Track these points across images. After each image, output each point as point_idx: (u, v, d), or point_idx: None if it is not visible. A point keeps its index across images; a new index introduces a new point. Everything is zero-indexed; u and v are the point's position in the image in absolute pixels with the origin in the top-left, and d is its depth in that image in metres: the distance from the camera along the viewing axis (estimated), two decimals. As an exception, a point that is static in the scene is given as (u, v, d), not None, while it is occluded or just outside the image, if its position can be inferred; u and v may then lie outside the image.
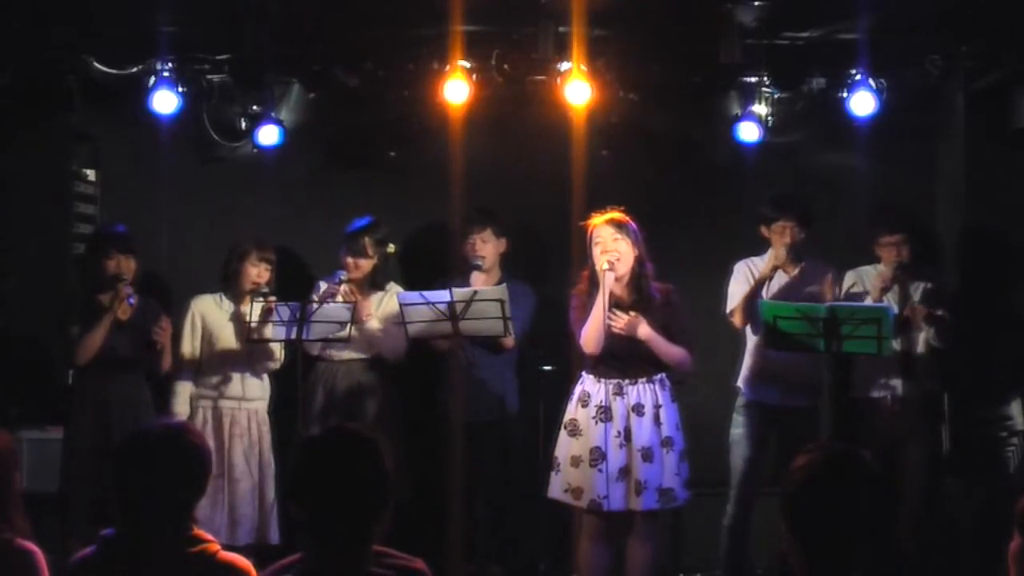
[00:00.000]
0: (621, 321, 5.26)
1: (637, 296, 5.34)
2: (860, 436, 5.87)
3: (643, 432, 5.24)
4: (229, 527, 5.77)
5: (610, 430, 5.22)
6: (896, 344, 5.80)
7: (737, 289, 5.98)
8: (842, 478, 2.51)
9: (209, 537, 3.00)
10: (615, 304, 5.30)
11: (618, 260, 5.27)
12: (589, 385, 5.35)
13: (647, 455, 5.22)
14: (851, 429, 5.95)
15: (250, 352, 5.93)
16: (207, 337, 5.97)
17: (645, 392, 5.29)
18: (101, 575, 2.95)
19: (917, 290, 5.91)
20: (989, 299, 6.33)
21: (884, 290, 5.82)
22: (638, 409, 5.26)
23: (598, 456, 5.22)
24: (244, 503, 5.84)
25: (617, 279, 5.31)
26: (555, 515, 5.56)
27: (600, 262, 5.26)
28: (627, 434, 5.24)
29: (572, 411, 5.36)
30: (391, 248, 6.16)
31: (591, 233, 5.33)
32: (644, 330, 5.27)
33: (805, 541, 2.51)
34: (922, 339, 5.90)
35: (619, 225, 5.31)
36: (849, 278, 6.04)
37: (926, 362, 5.92)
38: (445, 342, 5.85)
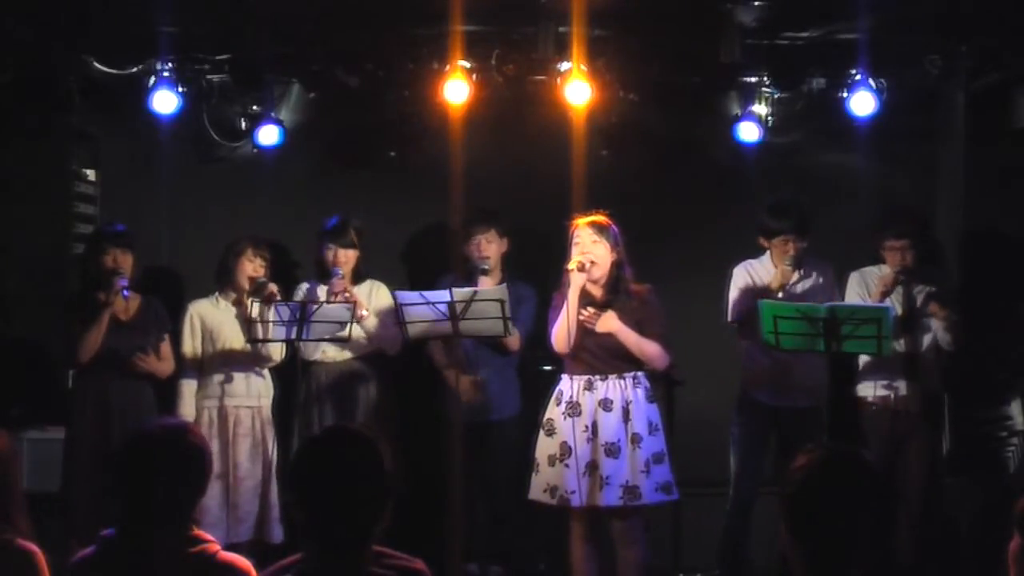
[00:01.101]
0: (588, 313, 5.27)
1: (612, 297, 5.35)
2: (860, 436, 5.87)
3: (609, 427, 5.23)
4: (232, 525, 5.79)
5: (578, 425, 5.23)
6: (899, 345, 5.81)
7: (736, 295, 5.97)
8: (842, 478, 2.51)
9: (209, 537, 3.00)
10: (588, 303, 5.31)
11: (592, 264, 5.27)
12: (564, 383, 5.37)
13: (611, 450, 5.20)
14: (851, 429, 5.94)
15: (251, 351, 5.93)
16: (207, 338, 5.98)
17: (615, 388, 5.28)
18: (101, 575, 2.96)
19: (921, 293, 5.91)
20: (989, 299, 6.32)
21: (885, 294, 5.81)
22: (605, 404, 5.25)
23: (566, 451, 5.24)
24: (246, 501, 5.85)
25: (594, 281, 5.32)
26: (555, 515, 5.56)
27: (571, 263, 5.27)
28: (594, 429, 5.24)
29: (549, 410, 5.39)
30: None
31: (572, 233, 5.34)
32: (613, 323, 5.27)
33: (805, 541, 2.51)
34: (928, 340, 5.91)
35: (600, 228, 5.31)
36: (852, 279, 6.03)
37: (929, 362, 5.92)
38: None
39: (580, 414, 5.26)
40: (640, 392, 5.31)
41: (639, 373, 5.34)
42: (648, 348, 5.31)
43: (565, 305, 5.26)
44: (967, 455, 6.10)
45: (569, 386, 5.33)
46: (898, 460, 5.84)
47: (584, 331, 5.28)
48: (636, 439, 5.24)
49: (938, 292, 5.89)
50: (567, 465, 5.22)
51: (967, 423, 6.11)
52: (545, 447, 5.34)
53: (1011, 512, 3.02)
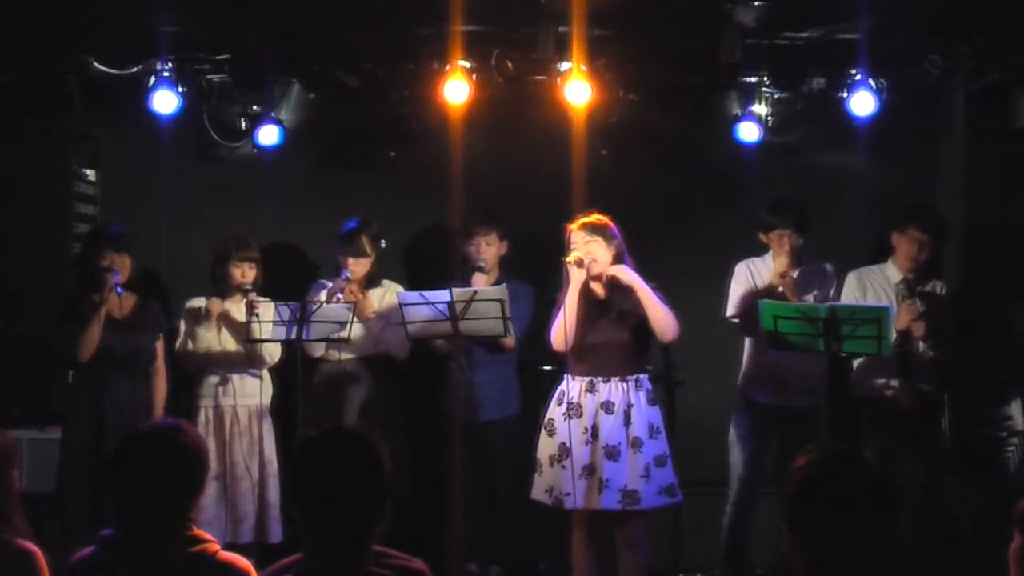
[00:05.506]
0: (590, 261, 5.22)
1: (615, 295, 5.32)
2: (860, 436, 5.87)
3: (609, 430, 5.21)
4: (231, 526, 5.79)
5: (577, 427, 5.22)
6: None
7: (737, 291, 5.98)
8: (842, 478, 2.51)
9: (209, 537, 3.00)
10: (594, 303, 5.30)
11: (593, 261, 5.26)
12: (566, 383, 5.35)
13: (611, 453, 5.19)
14: (851, 429, 5.94)
15: (247, 352, 5.94)
16: (203, 336, 5.98)
17: (617, 391, 5.26)
18: (101, 575, 2.95)
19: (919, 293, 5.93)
20: (989, 299, 6.32)
21: (911, 277, 5.79)
22: (607, 407, 5.24)
23: (563, 452, 5.23)
24: (245, 501, 5.85)
25: (595, 279, 5.30)
26: (555, 515, 5.56)
27: (569, 256, 5.25)
28: (594, 431, 5.23)
29: (550, 410, 5.38)
30: (383, 243, 6.17)
31: (567, 237, 5.34)
32: (627, 274, 5.25)
33: (805, 541, 2.51)
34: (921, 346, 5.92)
35: (593, 227, 5.30)
36: (850, 279, 6.03)
37: (925, 362, 5.92)
38: (445, 344, 5.85)
39: (581, 415, 5.25)
40: (642, 395, 5.29)
41: (641, 376, 5.33)
42: (662, 311, 5.25)
43: (563, 303, 5.26)
44: (967, 455, 6.10)
45: (571, 386, 5.31)
46: (898, 460, 5.84)
47: (588, 331, 5.27)
48: (637, 443, 5.22)
49: (927, 311, 5.89)
50: (564, 467, 5.21)
51: (967, 423, 6.11)
52: (546, 447, 5.34)
53: (1011, 512, 3.02)
